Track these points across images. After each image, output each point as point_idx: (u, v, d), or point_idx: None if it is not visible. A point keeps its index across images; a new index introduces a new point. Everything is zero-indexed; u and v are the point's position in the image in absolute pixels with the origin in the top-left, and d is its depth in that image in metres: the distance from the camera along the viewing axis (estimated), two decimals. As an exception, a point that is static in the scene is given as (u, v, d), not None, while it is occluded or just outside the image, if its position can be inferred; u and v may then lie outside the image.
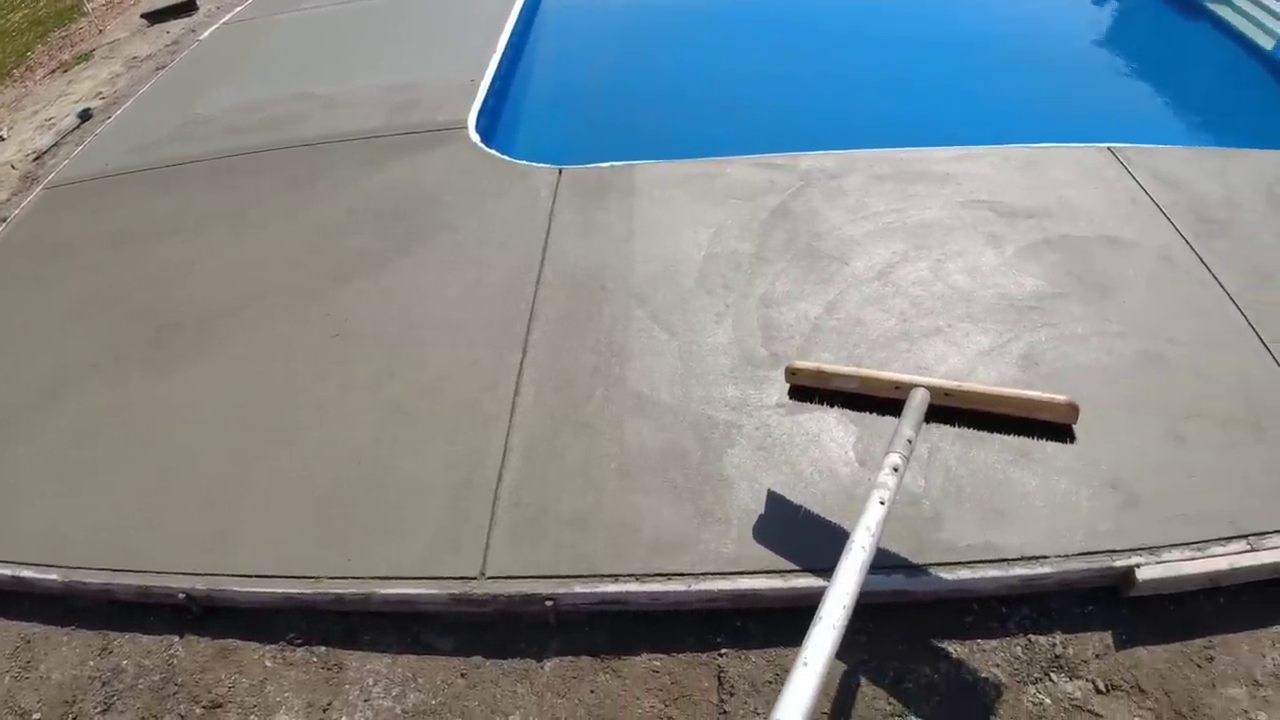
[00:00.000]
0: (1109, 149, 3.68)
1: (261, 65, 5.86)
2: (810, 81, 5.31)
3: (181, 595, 2.36)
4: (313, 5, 6.83)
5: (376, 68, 5.39)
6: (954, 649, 2.12)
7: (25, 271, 3.99)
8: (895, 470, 1.91)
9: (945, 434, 2.46)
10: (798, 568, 2.18)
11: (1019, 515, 2.27)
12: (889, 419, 2.49)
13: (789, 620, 2.17)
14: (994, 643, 2.13)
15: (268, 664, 2.29)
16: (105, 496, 2.71)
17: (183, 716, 2.20)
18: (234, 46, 6.32)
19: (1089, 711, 1.99)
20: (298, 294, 3.44)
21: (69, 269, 3.91)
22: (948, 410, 2.13)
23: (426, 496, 2.50)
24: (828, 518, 2.30)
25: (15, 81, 7.35)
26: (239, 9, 7.12)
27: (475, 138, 4.33)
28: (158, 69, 6.44)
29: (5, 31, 8.55)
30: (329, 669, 2.25)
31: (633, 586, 2.17)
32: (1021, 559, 2.16)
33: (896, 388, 2.16)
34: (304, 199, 4.06)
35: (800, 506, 2.34)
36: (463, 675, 2.19)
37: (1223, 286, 2.93)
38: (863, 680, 2.07)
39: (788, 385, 2.31)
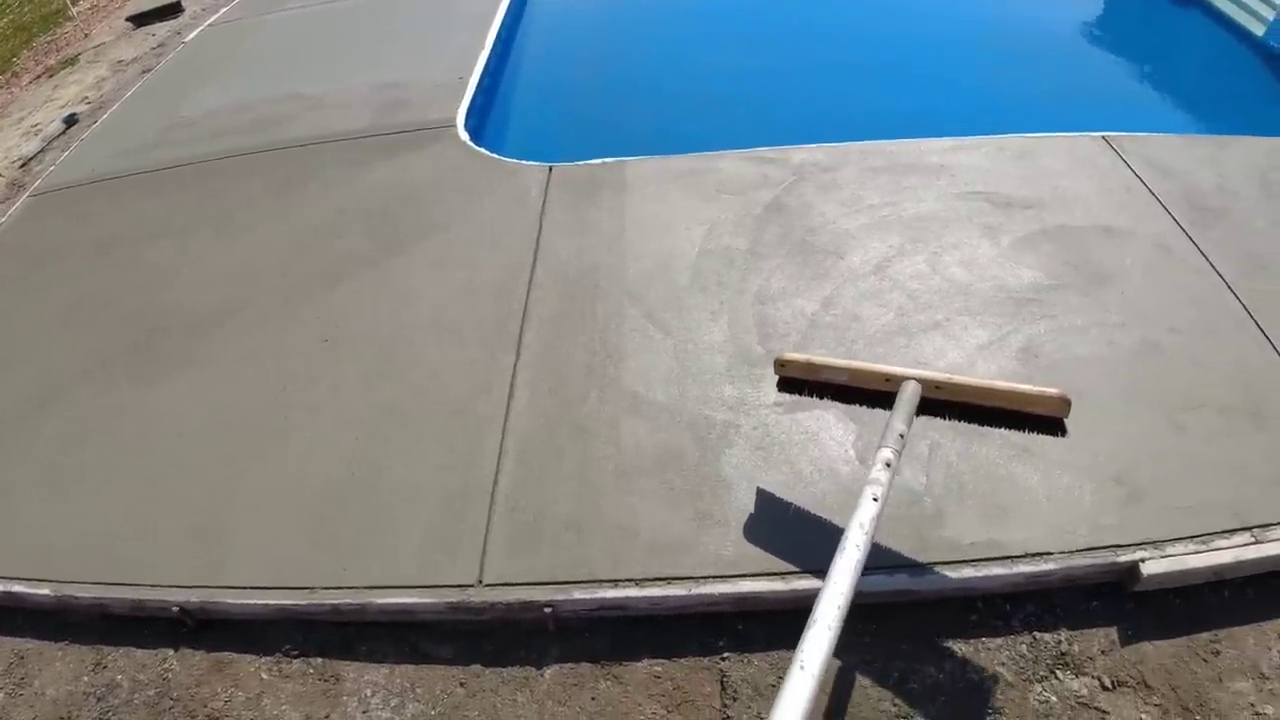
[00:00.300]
0: (1103, 138, 3.66)
1: (248, 66, 5.80)
2: (802, 74, 5.26)
3: (175, 608, 2.33)
4: (298, 5, 6.76)
5: (364, 67, 5.34)
6: (959, 648, 2.10)
7: (13, 278, 3.94)
8: (888, 465, 1.88)
9: (945, 431, 2.43)
10: (799, 569, 2.16)
11: (1022, 511, 2.24)
12: (888, 415, 2.49)
13: (791, 622, 2.12)
14: (999, 641, 2.11)
15: (264, 676, 2.25)
16: (95, 507, 2.67)
17: (178, 731, 2.18)
18: (220, 48, 6.25)
19: (1095, 709, 1.97)
20: (288, 297, 3.40)
21: (57, 275, 3.87)
22: (939, 403, 2.12)
23: (421, 502, 2.47)
24: (828, 517, 2.28)
25: (1, 88, 7.27)
26: (224, 10, 7.06)
27: (464, 136, 4.29)
28: (144, 72, 6.38)
29: (-11, 37, 8.47)
30: (326, 680, 2.22)
31: (632, 592, 2.15)
32: (1025, 556, 2.14)
33: (887, 380, 2.15)
34: (293, 201, 4.02)
35: (800, 507, 2.31)
36: (462, 684, 2.16)
37: (1220, 274, 2.91)
38: (867, 681, 2.05)
39: (777, 377, 2.29)
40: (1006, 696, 2.00)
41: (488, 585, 2.21)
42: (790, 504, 2.32)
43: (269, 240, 3.78)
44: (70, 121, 5.91)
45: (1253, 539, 2.17)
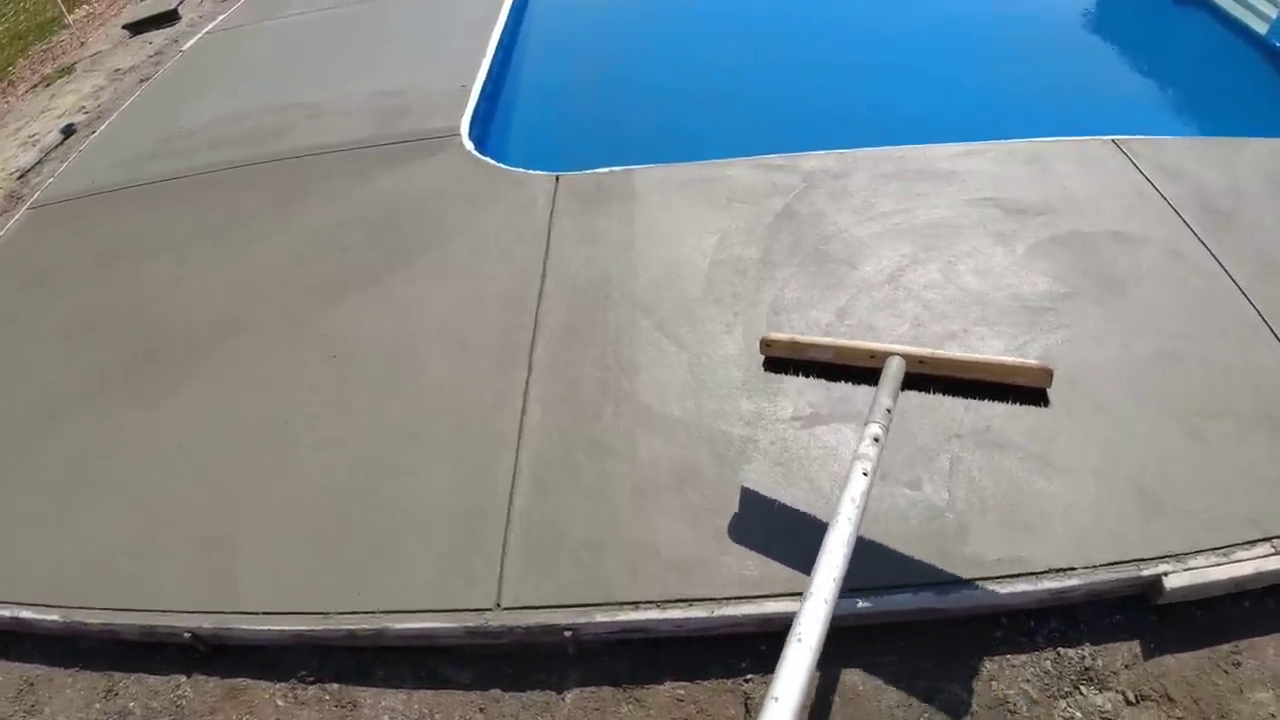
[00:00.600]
0: (1112, 141, 3.64)
1: (247, 75, 5.76)
2: (811, 80, 5.22)
3: (187, 634, 2.29)
4: (296, 11, 6.72)
5: (364, 74, 5.31)
6: (984, 665, 2.08)
7: (13, 293, 3.90)
8: (876, 440, 1.92)
9: (966, 444, 2.42)
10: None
11: (1044, 525, 2.22)
12: (904, 431, 2.47)
13: (815, 642, 2.12)
14: (1023, 657, 2.10)
15: (279, 703, 2.22)
16: (102, 530, 2.64)
17: (194, 760, 2.15)
18: (218, 56, 6.21)
19: (1121, 725, 1.95)
20: (292, 312, 3.36)
21: (57, 290, 3.84)
22: (924, 378, 2.14)
23: (436, 522, 2.44)
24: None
25: (-4, 97, 7.23)
26: (222, 18, 7.01)
27: (469, 145, 4.25)
28: (141, 81, 6.34)
29: (-16, 45, 8.41)
30: (343, 707, 2.18)
31: (654, 614, 2.12)
32: (1050, 572, 2.12)
33: (871, 356, 2.17)
34: (295, 213, 3.98)
35: (822, 523, 2.28)
36: (481, 710, 2.13)
37: (1233, 279, 2.90)
38: (893, 700, 2.03)
39: (762, 357, 2.30)
40: (1032, 714, 1.99)
41: (506, 609, 2.18)
42: (812, 521, 2.29)
43: (272, 254, 3.74)
44: (68, 132, 5.88)
45: (1273, 549, 2.16)
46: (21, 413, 3.16)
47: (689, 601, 2.11)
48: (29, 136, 6.08)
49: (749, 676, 2.11)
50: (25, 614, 2.45)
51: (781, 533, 2.28)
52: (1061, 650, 2.10)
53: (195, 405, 3.02)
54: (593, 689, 2.13)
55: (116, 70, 6.96)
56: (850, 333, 2.83)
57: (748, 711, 2.04)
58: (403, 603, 2.24)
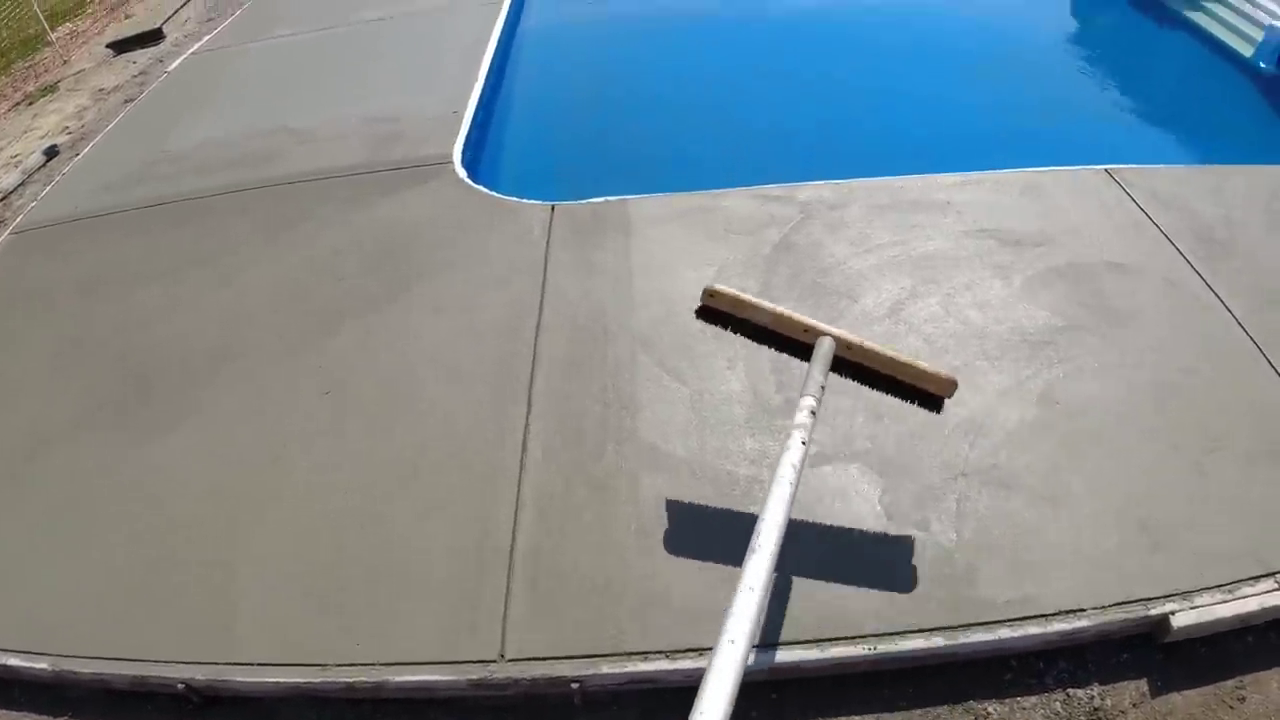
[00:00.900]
0: (1106, 171, 3.68)
1: (234, 97, 5.69)
2: (806, 110, 5.23)
3: (181, 685, 2.22)
4: (285, 33, 6.66)
5: (354, 98, 5.25)
6: (994, 709, 2.07)
7: (-2, 322, 3.81)
8: (812, 412, 2.07)
9: (972, 483, 2.41)
10: (834, 635, 2.10)
11: (1051, 564, 2.22)
12: (910, 468, 2.46)
13: (828, 689, 2.10)
14: (1033, 699, 2.09)
15: (277, 757, 2.16)
16: (91, 574, 2.56)
17: (188, 819, 2.08)
18: (205, 77, 6.13)
19: (1132, 766, 1.94)
20: (284, 344, 3.30)
21: (42, 320, 3.74)
22: (847, 363, 2.26)
23: (436, 569, 2.38)
24: (861, 579, 2.22)
25: (-24, 116, 7.10)
26: (207, 38, 6.94)
27: (462, 173, 4.21)
28: (126, 101, 6.27)
29: (-36, 63, 8.28)
30: (343, 761, 2.13)
31: (664, 665, 2.07)
32: (1059, 613, 2.11)
33: (805, 331, 2.29)
34: (286, 241, 3.92)
35: (833, 568, 2.26)
36: (486, 763, 2.09)
37: (1230, 310, 2.93)
38: (904, 748, 2.01)
39: (699, 304, 2.38)
40: (1044, 759, 1.97)
41: (511, 660, 2.12)
42: (821, 565, 2.26)
43: (263, 284, 3.67)
44: (51, 153, 5.78)
45: (1276, 585, 2.18)
46: (7, 446, 3.07)
47: (699, 651, 2.07)
48: (11, 157, 5.98)
49: (760, 727, 2.08)
50: (13, 661, 2.37)
51: (791, 577, 2.24)
52: (1071, 691, 2.09)
53: (186, 442, 2.94)
54: (600, 742, 2.09)
55: (100, 90, 6.87)
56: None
57: (759, 762, 2.01)
58: (403, 653, 2.18)
